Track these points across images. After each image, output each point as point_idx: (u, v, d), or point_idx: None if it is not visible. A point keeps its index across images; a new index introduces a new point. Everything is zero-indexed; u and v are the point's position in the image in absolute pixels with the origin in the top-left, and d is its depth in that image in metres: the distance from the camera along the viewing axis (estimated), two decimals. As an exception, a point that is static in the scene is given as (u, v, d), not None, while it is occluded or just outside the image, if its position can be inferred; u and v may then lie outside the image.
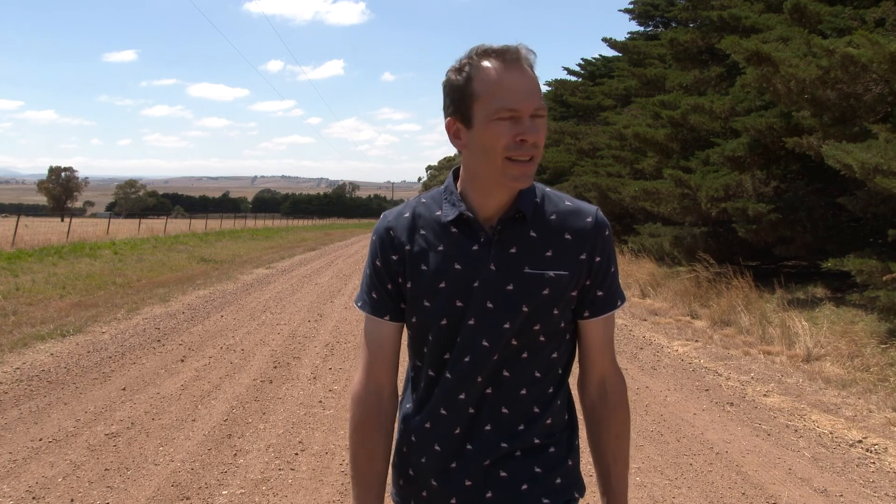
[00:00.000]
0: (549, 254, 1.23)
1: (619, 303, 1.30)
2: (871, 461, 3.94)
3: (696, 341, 7.43)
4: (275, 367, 5.95)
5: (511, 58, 1.17)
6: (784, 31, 8.93)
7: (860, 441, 4.26)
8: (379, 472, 1.33)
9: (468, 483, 1.24)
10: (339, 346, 6.94)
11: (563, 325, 1.26)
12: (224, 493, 3.36)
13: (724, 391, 5.45)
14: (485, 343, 1.22)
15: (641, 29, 20.46)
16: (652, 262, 12.36)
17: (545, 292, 1.21)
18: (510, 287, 1.21)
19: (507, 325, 1.22)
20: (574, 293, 1.24)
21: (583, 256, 1.23)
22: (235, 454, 3.88)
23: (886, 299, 6.06)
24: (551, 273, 1.21)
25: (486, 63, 1.17)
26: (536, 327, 1.23)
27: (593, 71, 23.13)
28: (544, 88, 26.09)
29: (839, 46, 6.73)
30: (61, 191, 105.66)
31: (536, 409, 1.25)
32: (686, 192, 10.38)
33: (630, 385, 5.50)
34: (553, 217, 1.25)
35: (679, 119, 11.00)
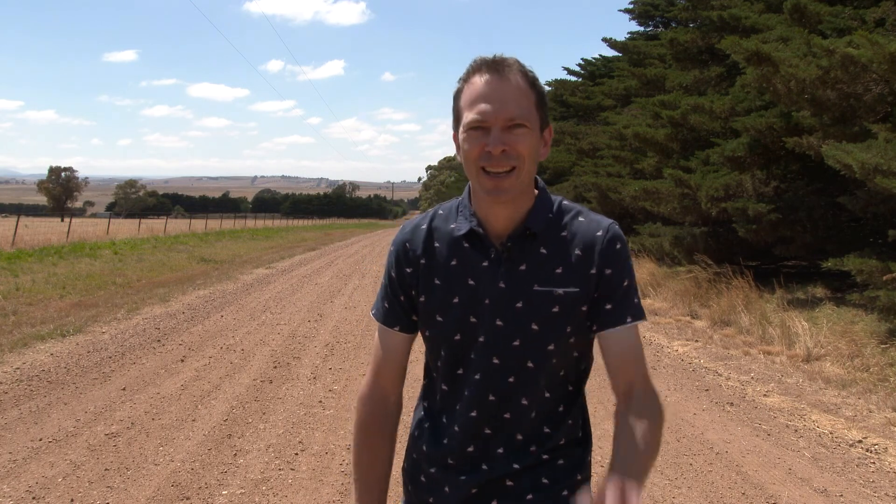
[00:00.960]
0: (559, 271, 1.20)
1: (629, 319, 1.20)
2: (871, 461, 3.94)
3: (696, 341, 7.43)
4: (275, 367, 5.95)
5: (493, 68, 1.17)
6: (784, 31, 8.93)
7: (860, 441, 4.26)
8: (381, 475, 1.34)
9: (474, 491, 1.25)
10: (339, 346, 6.94)
11: (573, 340, 1.23)
12: (224, 493, 3.36)
13: (724, 391, 5.45)
14: (495, 361, 1.22)
15: (641, 29, 20.45)
16: (652, 262, 12.36)
17: (554, 310, 1.19)
18: (519, 305, 1.20)
19: (516, 343, 1.20)
20: (584, 308, 1.21)
21: (593, 271, 1.20)
22: (235, 454, 3.88)
23: (886, 299, 6.06)
24: (560, 291, 1.19)
25: (474, 77, 1.18)
26: (551, 347, 1.20)
27: (593, 71, 23.12)
28: (544, 88, 26.11)
29: (839, 46, 6.73)
30: (61, 191, 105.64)
31: (547, 430, 1.25)
32: (686, 192, 10.38)
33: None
34: (565, 234, 1.22)
35: (679, 119, 11.00)
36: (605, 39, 19.50)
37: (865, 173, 6.22)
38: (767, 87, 8.07)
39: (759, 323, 7.42)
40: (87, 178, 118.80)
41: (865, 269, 6.42)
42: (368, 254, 21.79)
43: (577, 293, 1.19)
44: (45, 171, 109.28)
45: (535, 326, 1.20)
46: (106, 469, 3.62)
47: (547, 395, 1.24)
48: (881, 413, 4.76)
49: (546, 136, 1.23)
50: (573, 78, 24.18)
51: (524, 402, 1.22)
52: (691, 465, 3.83)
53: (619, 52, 19.31)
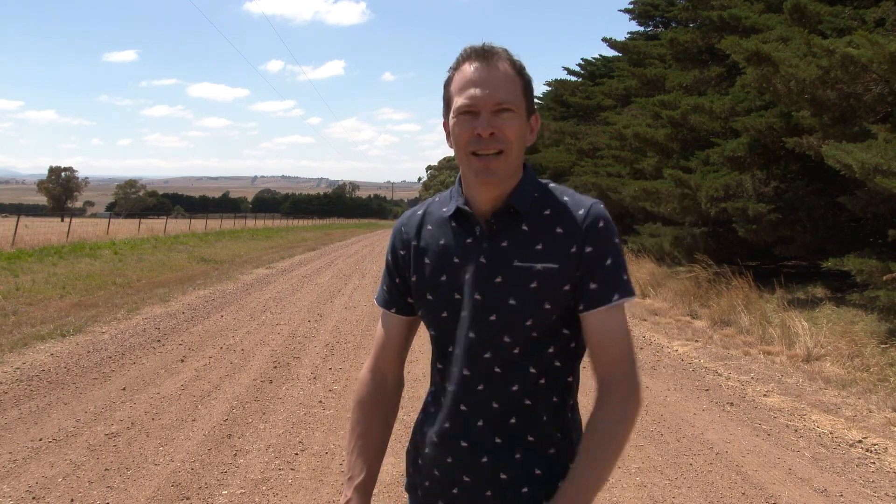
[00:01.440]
0: (539, 247, 1.22)
1: (615, 296, 1.19)
2: (871, 461, 3.94)
3: (696, 341, 7.43)
4: (275, 367, 5.95)
5: (480, 55, 1.21)
6: (784, 31, 8.93)
7: (860, 441, 4.26)
8: (373, 454, 1.36)
9: (466, 479, 1.26)
10: (339, 346, 6.94)
11: (556, 318, 1.23)
12: (224, 493, 3.36)
13: (724, 391, 5.45)
14: (471, 335, 1.24)
15: (641, 29, 20.45)
16: (652, 262, 12.36)
17: (533, 285, 1.20)
18: (498, 279, 1.22)
19: (493, 318, 1.22)
20: (567, 287, 1.21)
21: (573, 249, 1.20)
22: (235, 454, 3.88)
23: (886, 299, 6.06)
24: (539, 266, 1.20)
25: (464, 64, 1.23)
26: (528, 323, 1.21)
27: (593, 71, 23.12)
28: (544, 88, 26.08)
29: (839, 46, 6.73)
30: (61, 191, 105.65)
31: (528, 402, 1.23)
32: (686, 192, 10.38)
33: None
34: (547, 212, 1.24)
35: (679, 119, 11.00)
36: (605, 39, 19.51)
37: (865, 173, 6.22)
38: (767, 87, 8.07)
39: (759, 323, 7.42)
40: (87, 178, 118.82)
41: (865, 269, 6.42)
42: (368, 254, 21.79)
43: (555, 270, 1.20)
44: (45, 171, 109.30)
45: (512, 301, 1.21)
46: (106, 469, 3.62)
47: (532, 370, 1.23)
48: (881, 413, 4.76)
49: (533, 122, 1.26)
50: (573, 78, 24.19)
51: (497, 370, 1.23)
52: (691, 465, 3.83)
53: (619, 52, 19.31)
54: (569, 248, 1.21)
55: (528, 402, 1.24)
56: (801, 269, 10.41)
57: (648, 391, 5.39)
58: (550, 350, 1.24)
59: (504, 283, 1.22)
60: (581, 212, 1.23)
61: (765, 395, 5.34)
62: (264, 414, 4.64)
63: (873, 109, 7.10)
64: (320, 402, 4.95)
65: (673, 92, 12.75)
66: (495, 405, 1.24)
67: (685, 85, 12.80)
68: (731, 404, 5.06)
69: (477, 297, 1.23)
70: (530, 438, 1.24)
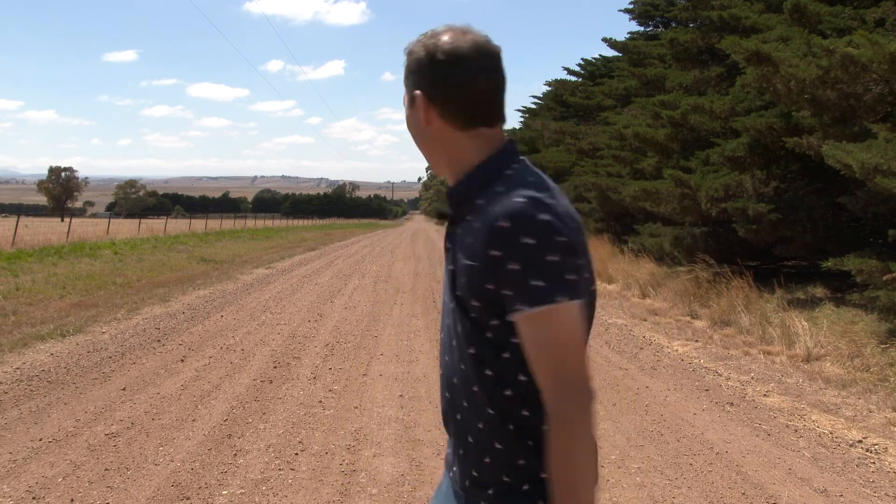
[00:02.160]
0: (469, 240, 1.12)
1: (518, 305, 1.04)
2: (871, 461, 3.94)
3: (696, 341, 7.43)
4: (275, 367, 5.95)
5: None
6: (784, 31, 8.92)
7: (860, 441, 4.26)
8: None
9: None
10: (339, 346, 6.94)
11: (495, 323, 1.10)
12: (224, 493, 3.36)
13: (724, 391, 5.45)
14: (441, 335, 1.23)
15: (641, 29, 20.43)
16: (652, 262, 12.36)
17: (463, 280, 1.12)
18: (451, 268, 1.17)
19: (448, 321, 1.18)
20: (491, 287, 1.08)
21: (486, 251, 1.08)
22: (235, 454, 3.88)
23: (886, 299, 6.05)
24: (465, 261, 1.11)
25: None
26: (459, 329, 1.14)
27: (593, 71, 23.11)
28: (544, 88, 26.02)
29: (839, 46, 6.73)
30: (61, 191, 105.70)
31: (481, 425, 1.15)
32: (686, 192, 10.38)
33: (630, 385, 5.50)
34: (480, 202, 1.12)
35: (679, 119, 11.00)
36: (605, 39, 19.50)
37: (865, 173, 6.22)
38: (767, 87, 8.07)
39: (759, 323, 7.42)
40: (87, 178, 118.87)
41: (865, 269, 6.41)
42: (368, 254, 21.79)
43: (476, 268, 1.09)
44: (45, 171, 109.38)
45: (451, 303, 1.15)
46: (106, 469, 3.62)
47: (475, 389, 1.14)
48: (881, 413, 4.76)
49: (417, 105, 1.18)
50: (573, 78, 24.18)
51: (455, 380, 1.18)
52: (691, 465, 3.83)
53: (619, 52, 19.30)
54: (483, 247, 1.08)
55: (480, 425, 1.15)
56: (801, 269, 10.40)
57: (648, 391, 5.39)
58: (491, 372, 1.12)
59: (448, 278, 1.17)
60: (497, 208, 1.07)
61: (765, 395, 5.34)
62: (264, 414, 4.64)
63: (873, 109, 7.09)
64: (320, 402, 4.95)
65: (673, 92, 12.74)
66: (459, 416, 1.19)
67: (685, 85, 12.80)
68: (731, 404, 5.06)
69: (442, 290, 1.22)
70: (486, 460, 1.15)
